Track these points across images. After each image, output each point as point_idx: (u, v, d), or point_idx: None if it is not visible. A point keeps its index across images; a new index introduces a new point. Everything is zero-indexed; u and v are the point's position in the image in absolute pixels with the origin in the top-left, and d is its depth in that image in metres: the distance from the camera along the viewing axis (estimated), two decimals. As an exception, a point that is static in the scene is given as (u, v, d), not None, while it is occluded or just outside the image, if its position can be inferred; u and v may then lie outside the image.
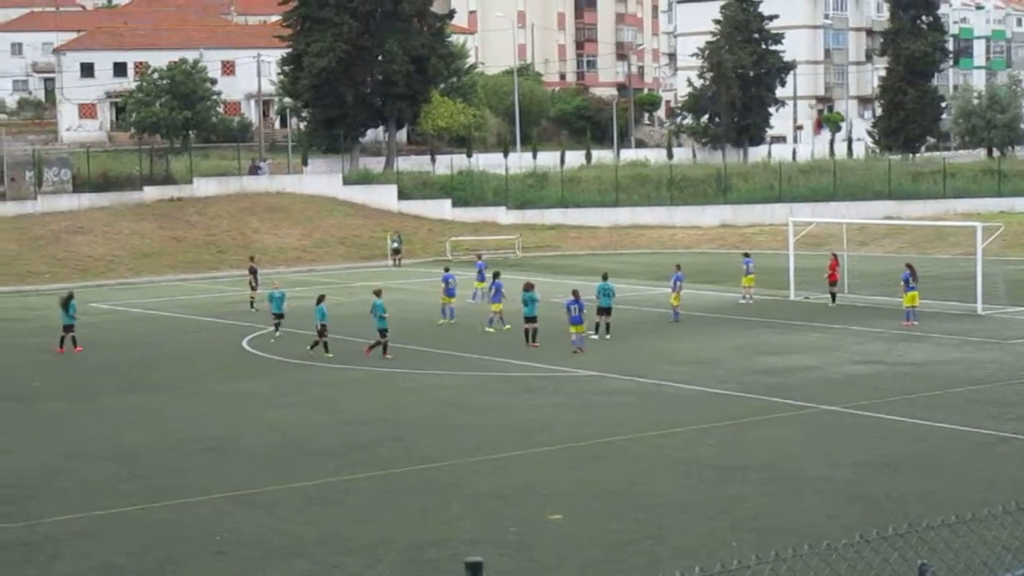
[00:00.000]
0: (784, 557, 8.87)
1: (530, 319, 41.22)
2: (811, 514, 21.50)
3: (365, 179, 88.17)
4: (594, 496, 23.00)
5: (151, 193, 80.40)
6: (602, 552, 19.80)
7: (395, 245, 73.87)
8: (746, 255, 53.47)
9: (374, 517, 21.98)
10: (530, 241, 79.01)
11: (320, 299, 41.12)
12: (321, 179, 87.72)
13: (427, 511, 22.26)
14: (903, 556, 10.43)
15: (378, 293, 40.58)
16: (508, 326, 44.19)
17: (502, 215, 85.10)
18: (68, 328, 42.42)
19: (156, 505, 23.04)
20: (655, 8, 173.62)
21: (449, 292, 48.24)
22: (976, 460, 25.21)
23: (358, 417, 30.71)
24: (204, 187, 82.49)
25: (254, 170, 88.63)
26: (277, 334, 43.77)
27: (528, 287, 41.94)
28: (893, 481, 23.51)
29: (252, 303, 53.05)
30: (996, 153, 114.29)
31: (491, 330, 44.58)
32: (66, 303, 42.86)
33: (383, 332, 39.70)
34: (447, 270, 49.88)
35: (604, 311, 42.11)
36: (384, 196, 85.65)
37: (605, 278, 42.94)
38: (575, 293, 40.55)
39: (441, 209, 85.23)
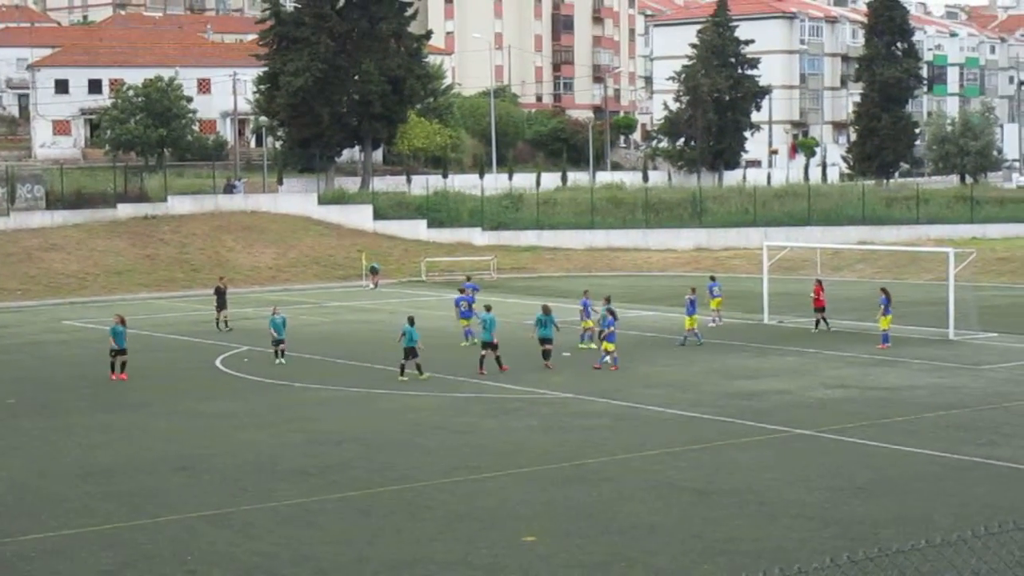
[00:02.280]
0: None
1: (544, 341, 40.88)
2: (784, 538, 21.60)
3: (340, 199, 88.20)
4: (568, 518, 23.07)
5: (125, 211, 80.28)
6: (576, 573, 19.86)
7: (373, 265, 73.79)
8: (712, 279, 53.66)
9: (348, 538, 22.00)
10: (505, 263, 79.13)
11: (411, 321, 39.55)
12: (296, 198, 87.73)
13: (401, 532, 22.29)
14: (874, 580, 10.53)
15: (411, 320, 39.63)
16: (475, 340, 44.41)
17: (477, 236, 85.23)
18: (119, 352, 40.57)
19: (128, 524, 23.01)
20: (632, 31, 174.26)
21: (464, 315, 47.54)
22: (948, 485, 25.36)
23: (333, 437, 30.72)
24: (178, 205, 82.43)
25: (229, 189, 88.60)
26: (280, 360, 42.58)
27: (546, 310, 41.57)
28: (865, 505, 23.64)
29: (217, 323, 52.71)
30: (969, 179, 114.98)
31: (465, 344, 44.88)
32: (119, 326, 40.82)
33: (545, 340, 39.87)
34: (462, 291, 49.39)
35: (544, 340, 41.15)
36: (359, 216, 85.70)
37: (547, 311, 41.76)
38: (611, 311, 40.98)
39: (416, 230, 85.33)
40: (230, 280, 56.36)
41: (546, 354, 40.95)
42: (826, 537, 21.48)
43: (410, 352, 38.86)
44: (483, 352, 40.32)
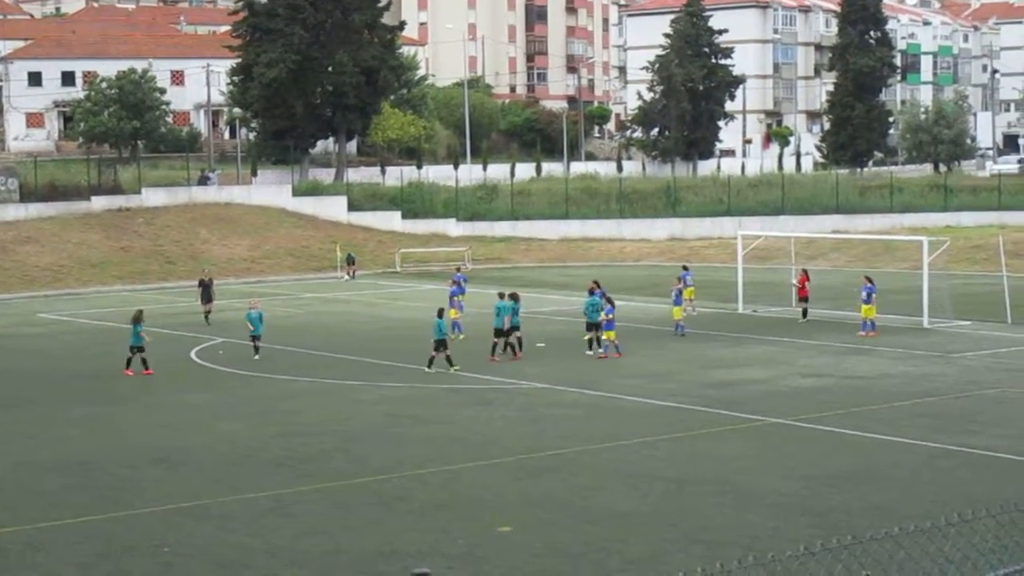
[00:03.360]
0: (729, 569, 9.01)
1: (513, 330, 41.01)
2: (759, 527, 21.68)
3: (315, 190, 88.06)
4: (544, 508, 23.11)
5: (99, 203, 80.00)
6: (551, 563, 19.91)
7: (350, 255, 73.60)
8: (684, 268, 53.74)
9: (324, 529, 22.01)
10: (480, 253, 79.12)
11: (439, 313, 39.20)
12: (271, 190, 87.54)
13: (377, 523, 22.30)
14: (847, 568, 10.60)
15: (440, 313, 39.25)
16: (463, 335, 44.45)
17: (452, 227, 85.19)
18: (137, 349, 39.63)
19: (104, 516, 22.98)
20: (605, 21, 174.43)
21: (457, 306, 46.76)
22: (922, 473, 25.48)
23: (308, 429, 30.70)
24: (153, 197, 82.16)
25: (203, 180, 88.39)
26: (256, 357, 41.63)
27: (512, 297, 41.40)
28: (841, 494, 23.74)
29: (206, 317, 51.96)
30: (943, 168, 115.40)
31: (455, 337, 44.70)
32: (136, 322, 39.89)
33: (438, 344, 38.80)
34: (455, 284, 49.13)
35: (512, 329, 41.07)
36: (334, 208, 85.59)
37: (514, 296, 41.72)
38: (608, 299, 41.56)
39: (391, 221, 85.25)
40: (208, 275, 55.62)
41: (517, 344, 41.13)
42: (801, 526, 21.57)
43: (440, 344, 38.59)
44: (495, 340, 40.48)
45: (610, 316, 41.12)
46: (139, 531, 22.03)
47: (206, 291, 52.79)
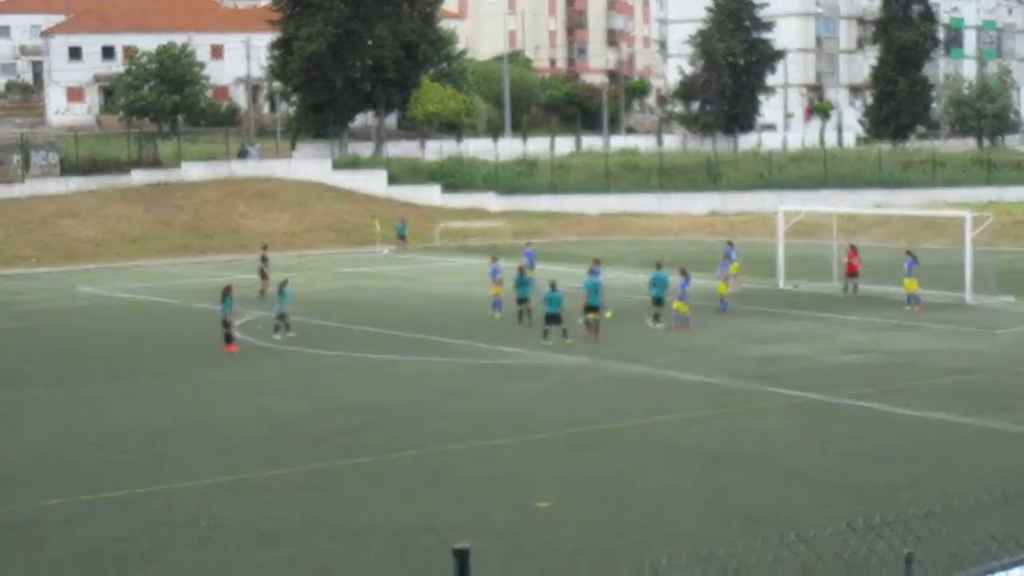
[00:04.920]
0: (771, 545, 8.90)
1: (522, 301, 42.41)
2: (800, 503, 21.54)
3: (354, 164, 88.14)
4: (582, 484, 23.03)
5: (139, 177, 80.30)
6: (589, 539, 19.84)
7: (399, 229, 73.73)
8: (729, 243, 53.58)
9: (361, 503, 21.99)
10: (519, 228, 79.00)
11: (552, 286, 39.13)
12: (310, 164, 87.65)
13: (414, 498, 22.27)
14: (889, 545, 10.47)
15: (552, 285, 39.53)
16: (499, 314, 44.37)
17: (492, 201, 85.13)
18: (225, 324, 38.98)
19: (142, 491, 23.02)
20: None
21: (500, 282, 45.73)
22: (964, 450, 25.28)
23: (345, 404, 30.71)
24: (192, 172, 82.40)
25: (242, 155, 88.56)
26: (276, 336, 40.79)
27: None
28: (882, 471, 23.57)
29: (262, 293, 51.03)
30: (986, 142, 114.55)
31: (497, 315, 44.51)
32: (225, 295, 39.26)
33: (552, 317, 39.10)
34: (495, 260, 47.82)
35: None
36: (373, 182, 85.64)
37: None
38: (683, 271, 42.04)
39: (430, 195, 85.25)
40: (243, 246, 55.63)
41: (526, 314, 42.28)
42: (842, 502, 21.41)
43: (553, 318, 38.65)
44: (545, 326, 39.37)
45: (685, 288, 41.67)
46: (177, 505, 22.06)
47: (266, 265, 53.06)
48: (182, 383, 34.17)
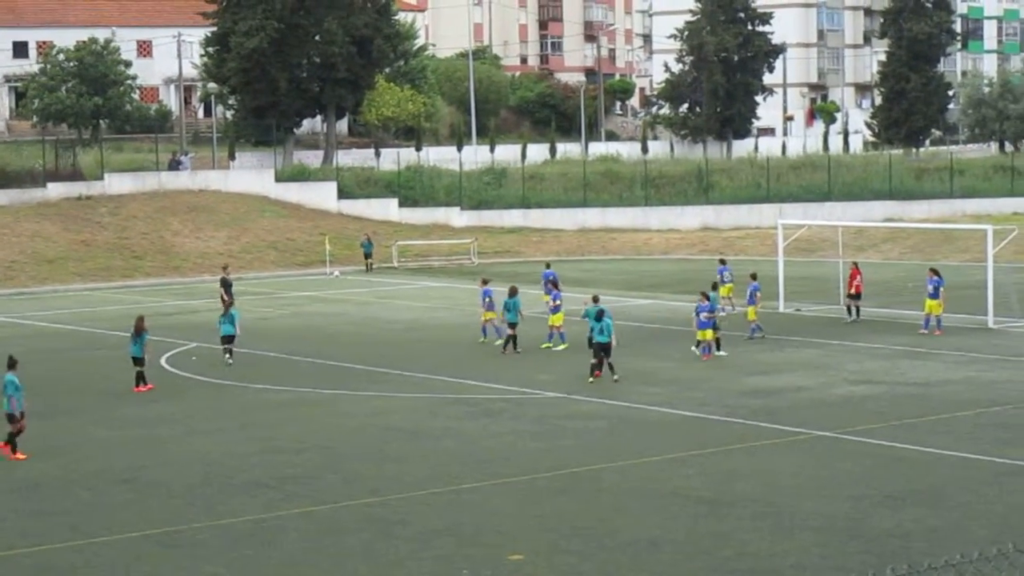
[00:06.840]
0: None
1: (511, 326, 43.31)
2: (803, 553, 21.63)
3: (300, 175, 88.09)
4: (560, 534, 23.07)
5: (56, 190, 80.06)
6: (568, 597, 19.89)
7: (364, 245, 73.83)
8: (722, 262, 53.72)
9: (310, 559, 21.99)
10: (487, 246, 79.11)
11: (599, 315, 38.64)
12: (250, 175, 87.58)
13: (371, 551, 22.28)
14: (904, 600, 10.56)
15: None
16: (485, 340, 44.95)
17: (455, 217, 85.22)
18: (138, 361, 38.78)
19: (63, 545, 22.96)
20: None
21: (491, 307, 46.33)
22: (986, 493, 25.41)
23: (292, 445, 30.68)
24: (117, 184, 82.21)
25: (174, 165, 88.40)
26: (229, 360, 42.00)
27: (512, 292, 43.64)
28: (894, 516, 23.68)
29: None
30: (1009, 147, 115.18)
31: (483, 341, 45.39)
32: (138, 331, 38.98)
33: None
34: (486, 283, 47.58)
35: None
36: (322, 195, 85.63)
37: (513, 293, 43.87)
38: (705, 296, 42.25)
39: (387, 210, 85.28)
40: (176, 268, 55.66)
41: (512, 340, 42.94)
42: (850, 552, 21.52)
43: (603, 348, 38.08)
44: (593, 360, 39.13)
45: (709, 315, 41.89)
46: (102, 563, 22.01)
47: (228, 289, 53.20)
48: (107, 422, 34.04)
